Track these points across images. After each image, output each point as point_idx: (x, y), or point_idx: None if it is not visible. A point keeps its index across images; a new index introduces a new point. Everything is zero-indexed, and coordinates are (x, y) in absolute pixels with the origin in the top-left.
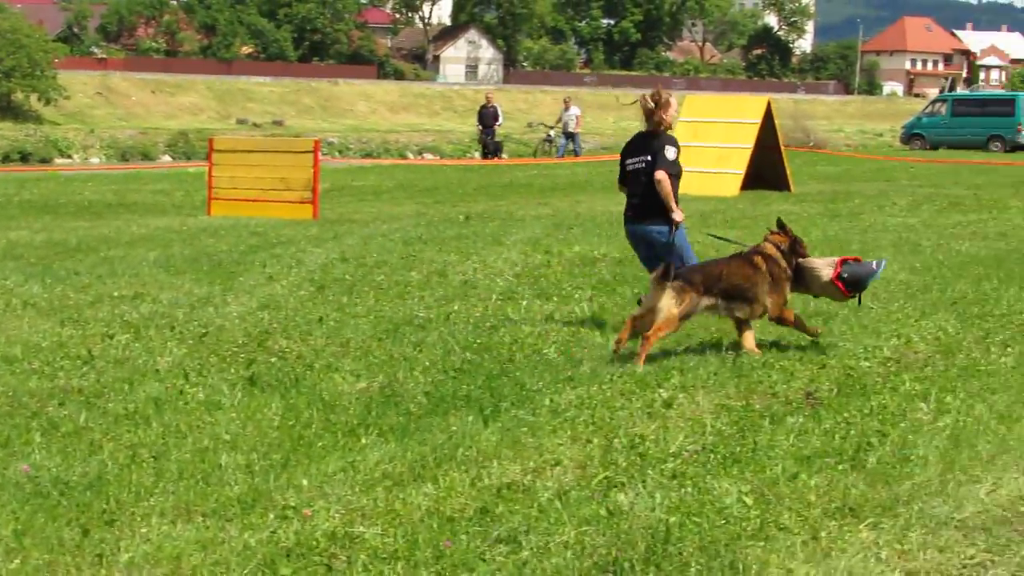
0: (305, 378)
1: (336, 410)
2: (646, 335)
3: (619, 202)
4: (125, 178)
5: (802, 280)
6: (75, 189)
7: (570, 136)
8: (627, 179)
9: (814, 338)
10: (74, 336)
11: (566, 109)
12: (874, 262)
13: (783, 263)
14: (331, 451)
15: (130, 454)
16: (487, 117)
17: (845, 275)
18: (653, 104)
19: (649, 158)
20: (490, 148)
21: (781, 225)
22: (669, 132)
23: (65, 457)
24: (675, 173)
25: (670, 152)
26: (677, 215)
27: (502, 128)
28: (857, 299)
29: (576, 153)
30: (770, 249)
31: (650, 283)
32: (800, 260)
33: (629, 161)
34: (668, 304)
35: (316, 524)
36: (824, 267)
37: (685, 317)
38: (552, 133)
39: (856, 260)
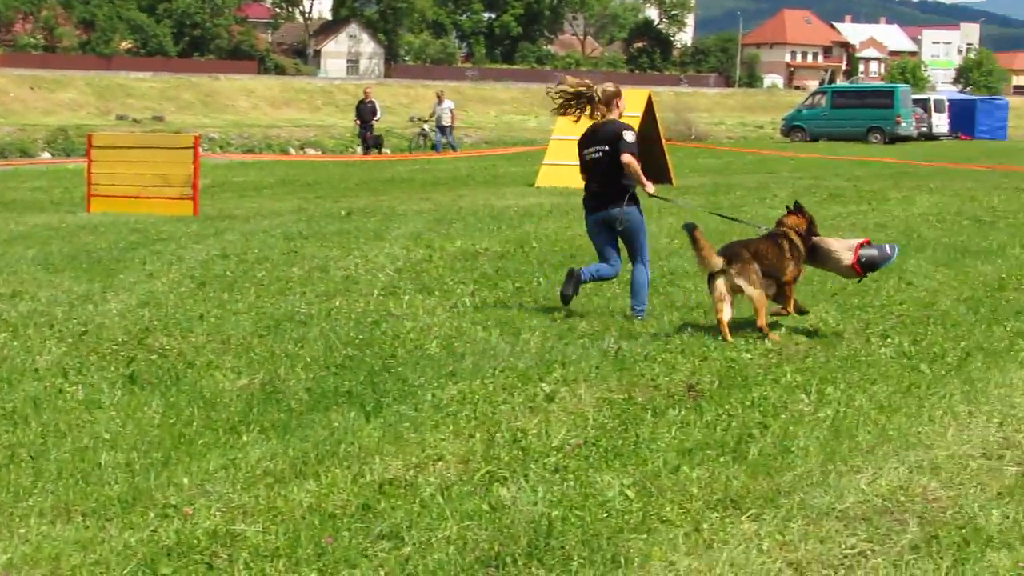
0: (186, 376)
1: (217, 407)
2: (759, 326)
3: (500, 196)
4: (3, 175)
5: (817, 258)
6: None
7: (443, 130)
8: (588, 168)
9: (802, 314)
10: None
11: (439, 103)
12: (888, 246)
13: (802, 246)
14: (212, 449)
15: (8, 454)
16: (365, 112)
17: (864, 260)
18: (604, 95)
19: (607, 147)
20: (370, 143)
21: (799, 207)
22: (621, 119)
23: None
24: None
25: (629, 135)
26: (650, 187)
27: (381, 123)
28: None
29: (452, 148)
30: (792, 234)
31: (714, 276)
32: (815, 240)
33: (587, 151)
34: (749, 289)
35: (197, 522)
36: (844, 251)
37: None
38: (426, 127)
39: (870, 243)
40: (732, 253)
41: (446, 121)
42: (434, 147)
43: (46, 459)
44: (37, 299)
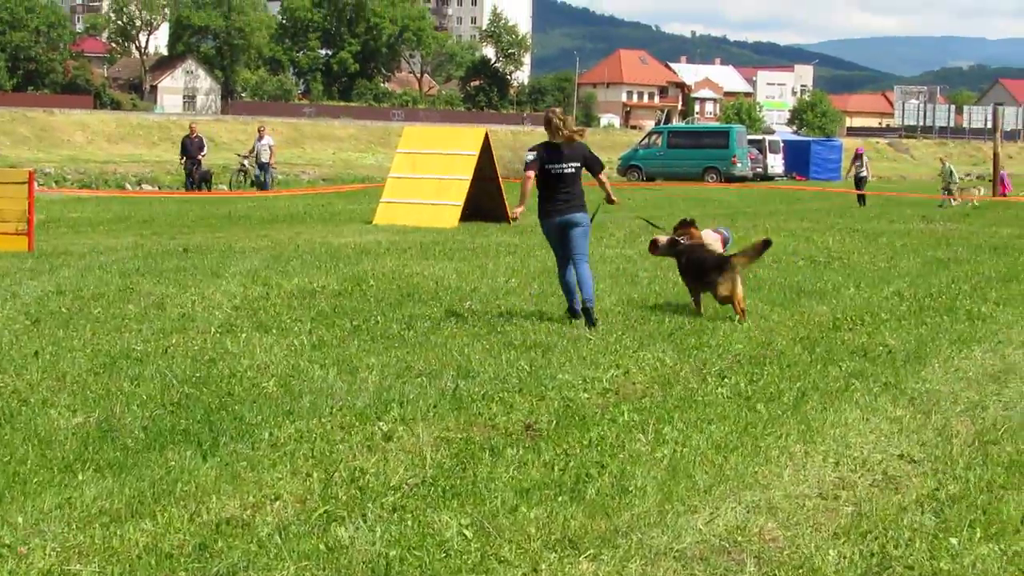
0: (20, 413)
1: (52, 445)
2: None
3: (338, 234)
4: None
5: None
6: None
7: (263, 167)
8: (553, 181)
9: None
10: None
11: (259, 139)
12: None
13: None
14: (47, 487)
15: None
16: (192, 147)
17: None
18: (561, 120)
19: (578, 164)
20: (196, 178)
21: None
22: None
23: None
24: None
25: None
26: (615, 198)
27: (215, 159)
28: None
29: (265, 186)
30: None
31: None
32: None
33: (555, 166)
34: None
35: (32, 562)
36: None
37: None
38: (246, 163)
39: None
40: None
41: (265, 157)
42: (254, 183)
43: None
44: None
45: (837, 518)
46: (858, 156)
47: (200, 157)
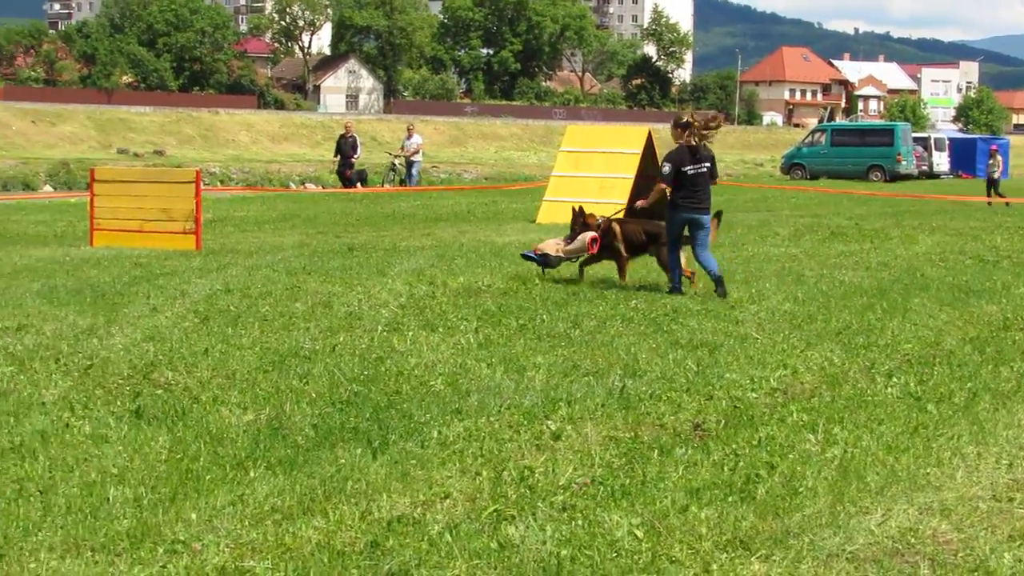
0: (191, 410)
1: (224, 443)
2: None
3: (502, 233)
4: (6, 209)
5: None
6: None
7: (411, 164)
8: (688, 180)
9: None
10: None
11: (408, 137)
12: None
13: None
14: (219, 484)
15: (17, 488)
16: (346, 147)
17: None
18: (703, 123)
19: (708, 165)
20: (352, 178)
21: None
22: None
23: None
24: None
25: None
26: None
27: (371, 157)
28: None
29: (412, 183)
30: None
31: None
32: None
33: (690, 168)
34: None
35: (206, 559)
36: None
37: None
38: (396, 162)
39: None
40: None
41: (413, 156)
42: (402, 182)
43: (54, 493)
44: (42, 333)
45: (1012, 520)
46: (991, 154)
47: (354, 158)
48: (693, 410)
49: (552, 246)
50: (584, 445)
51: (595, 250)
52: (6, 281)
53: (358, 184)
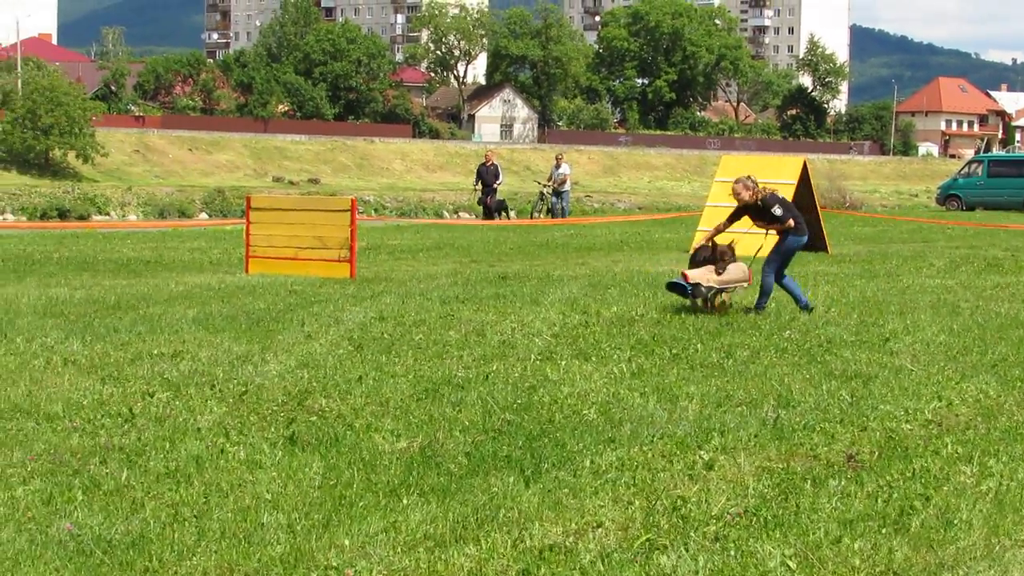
0: (345, 437)
1: (376, 469)
2: None
3: (655, 262)
4: (162, 235)
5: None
6: (113, 246)
7: (560, 195)
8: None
9: None
10: (115, 394)
11: (557, 167)
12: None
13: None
14: (372, 511)
15: (172, 512)
16: (488, 175)
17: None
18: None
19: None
20: (493, 207)
21: None
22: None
23: (107, 515)
24: None
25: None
26: None
27: (502, 185)
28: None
29: (564, 213)
30: None
31: None
32: None
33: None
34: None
35: None
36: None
37: None
38: (546, 192)
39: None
40: None
41: (563, 186)
42: (550, 212)
43: (209, 518)
44: (198, 359)
45: None
46: None
47: (496, 185)
48: (847, 441)
49: (703, 275)
50: (737, 475)
51: (751, 281)
52: (162, 308)
53: (500, 215)
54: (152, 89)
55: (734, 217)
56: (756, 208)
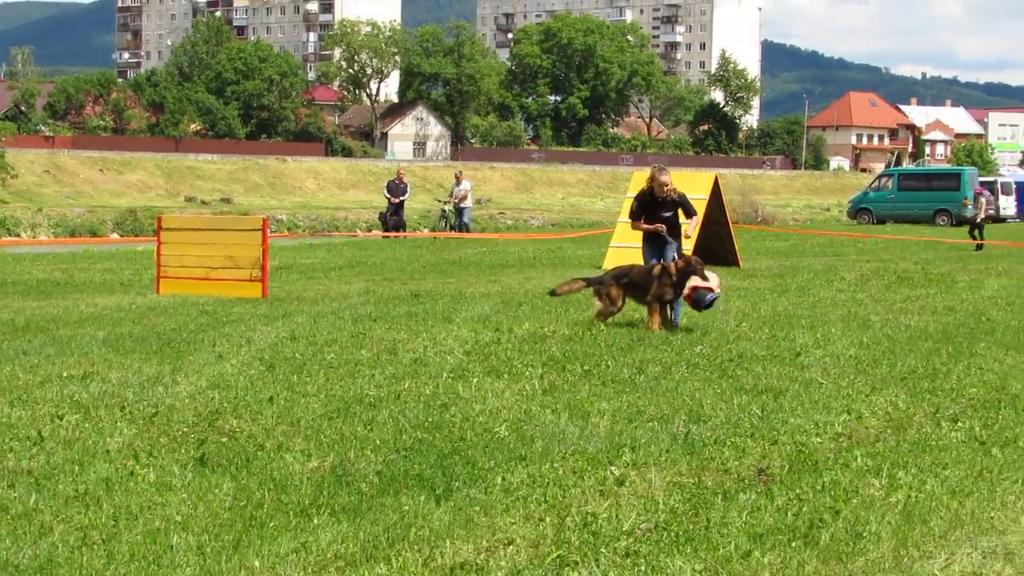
0: (256, 458)
1: (288, 490)
2: None
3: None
4: (73, 257)
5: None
6: (23, 268)
7: (460, 211)
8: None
9: None
10: (23, 417)
11: (457, 184)
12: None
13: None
14: (283, 531)
15: (81, 536)
16: (396, 191)
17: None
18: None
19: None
20: (390, 225)
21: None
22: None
23: (15, 540)
24: None
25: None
26: None
27: (407, 203)
28: None
29: (466, 229)
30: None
31: None
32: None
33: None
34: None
35: None
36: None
37: None
38: (446, 209)
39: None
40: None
41: (462, 202)
42: (453, 228)
43: (118, 541)
44: (108, 380)
45: None
46: (977, 196)
47: (403, 199)
48: (757, 455)
49: (716, 282)
50: (648, 491)
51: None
52: (73, 329)
53: (396, 231)
54: (63, 109)
55: (639, 213)
56: (665, 202)
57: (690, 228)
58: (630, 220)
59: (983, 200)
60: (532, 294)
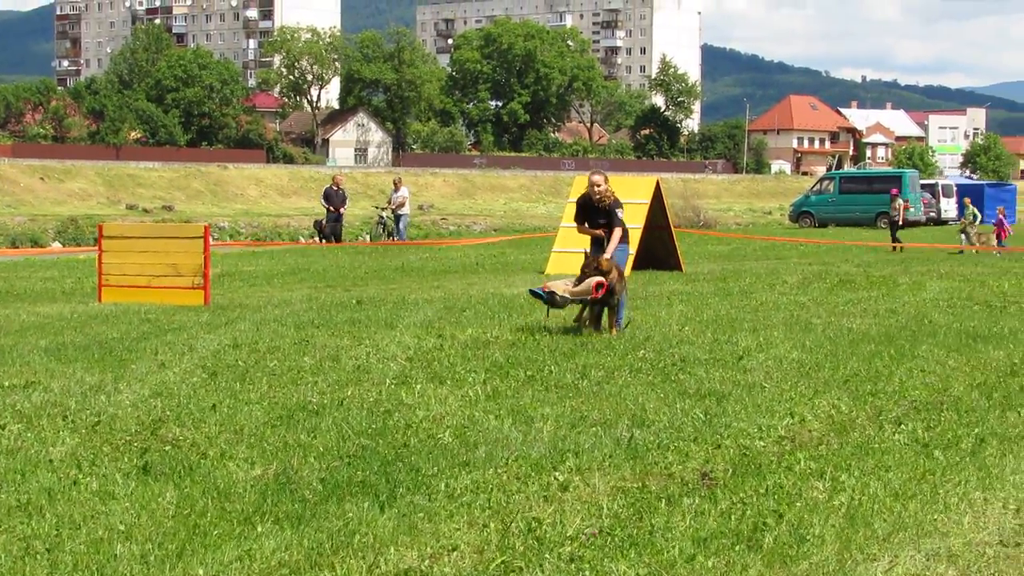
0: (199, 466)
1: (231, 498)
2: None
3: (511, 284)
4: (14, 265)
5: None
6: None
7: (399, 218)
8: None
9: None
10: None
11: (396, 190)
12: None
13: None
14: (227, 539)
15: (23, 546)
16: (335, 199)
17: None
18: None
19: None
20: (327, 233)
21: None
22: None
23: None
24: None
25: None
26: None
27: (346, 212)
28: None
29: (401, 235)
30: None
31: None
32: None
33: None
34: None
35: None
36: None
37: None
38: (384, 215)
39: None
40: None
41: (401, 209)
42: (390, 235)
43: (61, 551)
44: (50, 390)
45: (1019, 566)
46: (893, 197)
47: (342, 211)
48: (701, 459)
49: (560, 286)
50: (592, 496)
51: (599, 295)
52: (14, 338)
53: (328, 240)
54: (2, 117)
55: (580, 217)
56: (602, 208)
57: (611, 241)
58: (575, 224)
59: (900, 203)
60: (475, 299)
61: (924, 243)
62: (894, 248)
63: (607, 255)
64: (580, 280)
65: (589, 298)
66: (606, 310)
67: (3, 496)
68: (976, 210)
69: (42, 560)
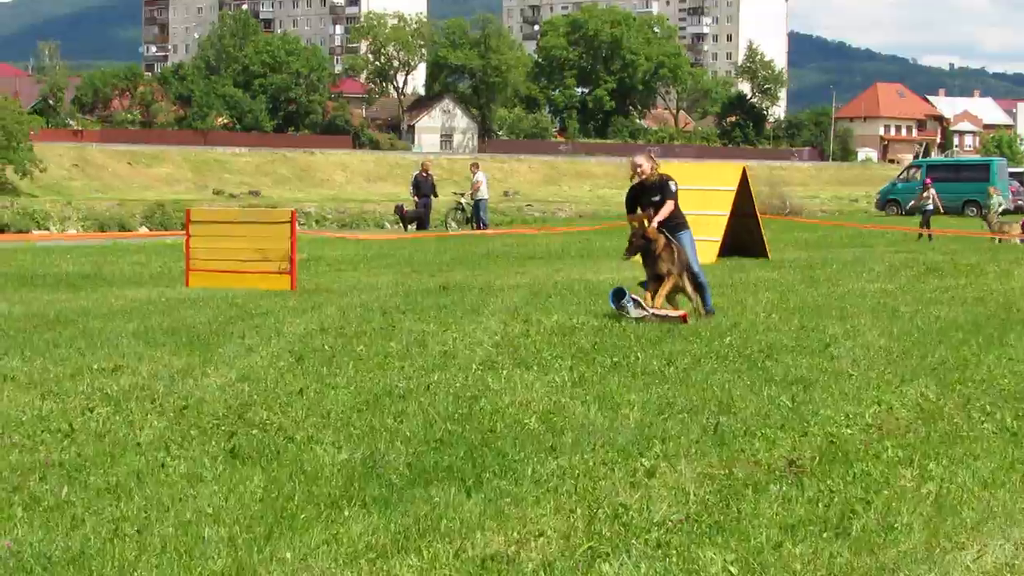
0: (286, 450)
1: (318, 482)
2: None
3: (596, 271)
4: (103, 250)
5: None
6: (53, 261)
7: (478, 204)
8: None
9: None
10: (54, 410)
11: (473, 174)
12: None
13: None
14: (313, 523)
15: (112, 528)
16: (424, 186)
17: None
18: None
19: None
20: (410, 218)
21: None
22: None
23: (47, 532)
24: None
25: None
26: None
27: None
28: None
29: (483, 225)
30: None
31: None
32: None
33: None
34: None
35: None
36: None
37: None
38: (463, 202)
39: None
40: None
41: (480, 195)
42: (469, 221)
43: (150, 533)
44: (138, 373)
45: None
46: (925, 187)
47: (432, 198)
48: (787, 447)
49: (648, 301)
50: (678, 482)
51: (686, 322)
52: (102, 322)
53: (411, 227)
54: (90, 103)
55: (631, 205)
56: (653, 187)
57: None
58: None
59: (932, 192)
60: (561, 286)
61: (954, 231)
62: (920, 236)
63: (654, 222)
64: (629, 250)
65: (670, 316)
66: (697, 297)
67: (93, 479)
68: (1002, 198)
69: (131, 542)
